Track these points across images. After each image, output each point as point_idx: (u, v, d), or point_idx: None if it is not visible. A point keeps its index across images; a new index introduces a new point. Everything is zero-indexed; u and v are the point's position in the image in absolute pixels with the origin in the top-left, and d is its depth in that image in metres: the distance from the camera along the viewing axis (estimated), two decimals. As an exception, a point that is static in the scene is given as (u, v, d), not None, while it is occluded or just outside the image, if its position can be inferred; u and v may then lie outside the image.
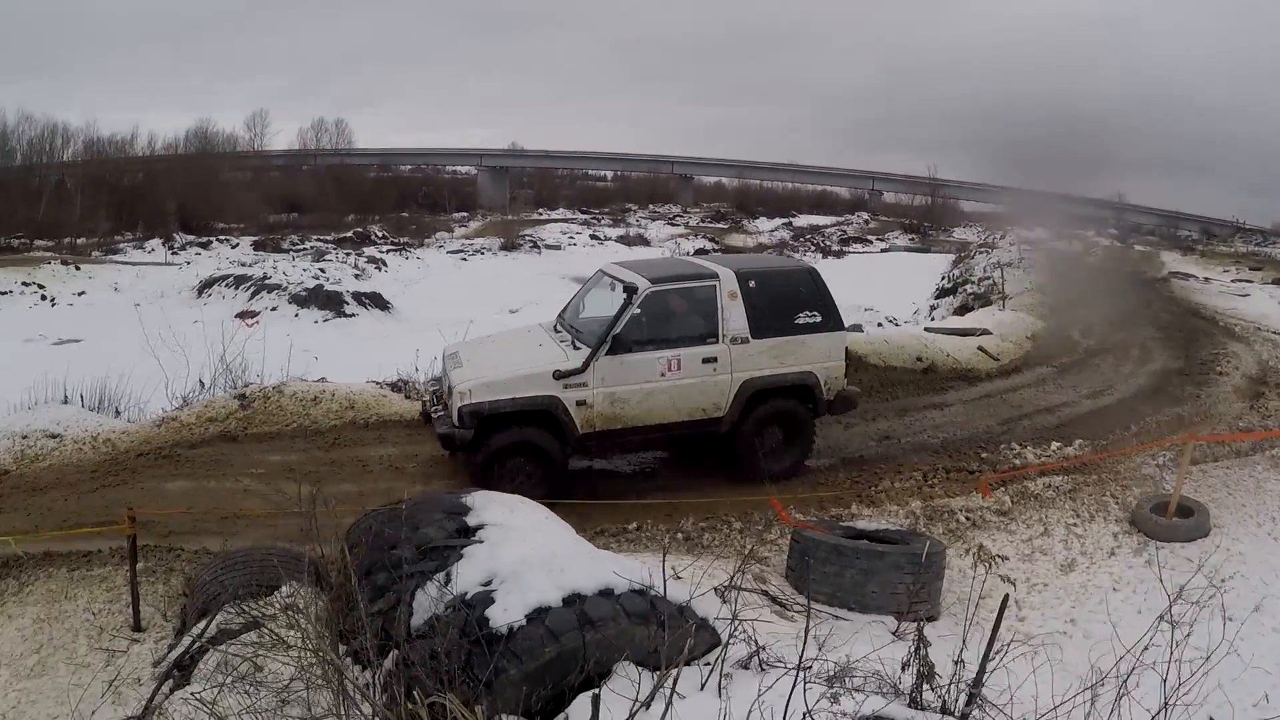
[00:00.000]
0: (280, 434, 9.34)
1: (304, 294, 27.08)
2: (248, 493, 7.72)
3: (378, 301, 27.08)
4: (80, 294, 28.66)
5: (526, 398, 7.07)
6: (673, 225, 48.92)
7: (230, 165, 62.87)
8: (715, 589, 4.65)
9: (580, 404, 7.21)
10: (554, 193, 74.81)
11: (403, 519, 4.85)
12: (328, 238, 46.73)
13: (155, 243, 44.37)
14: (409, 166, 74.07)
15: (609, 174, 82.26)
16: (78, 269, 31.36)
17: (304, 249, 42.71)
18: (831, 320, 7.67)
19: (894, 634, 4.06)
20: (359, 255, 39.98)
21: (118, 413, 10.05)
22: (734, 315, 7.51)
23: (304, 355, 10.95)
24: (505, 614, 3.87)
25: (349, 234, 48.30)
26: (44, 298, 31.08)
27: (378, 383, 10.14)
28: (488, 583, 4.18)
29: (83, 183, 50.35)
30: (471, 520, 4.86)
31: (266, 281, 28.54)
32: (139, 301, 25.51)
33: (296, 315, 25.29)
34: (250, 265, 34.04)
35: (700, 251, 36.22)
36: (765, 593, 5.56)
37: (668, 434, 7.61)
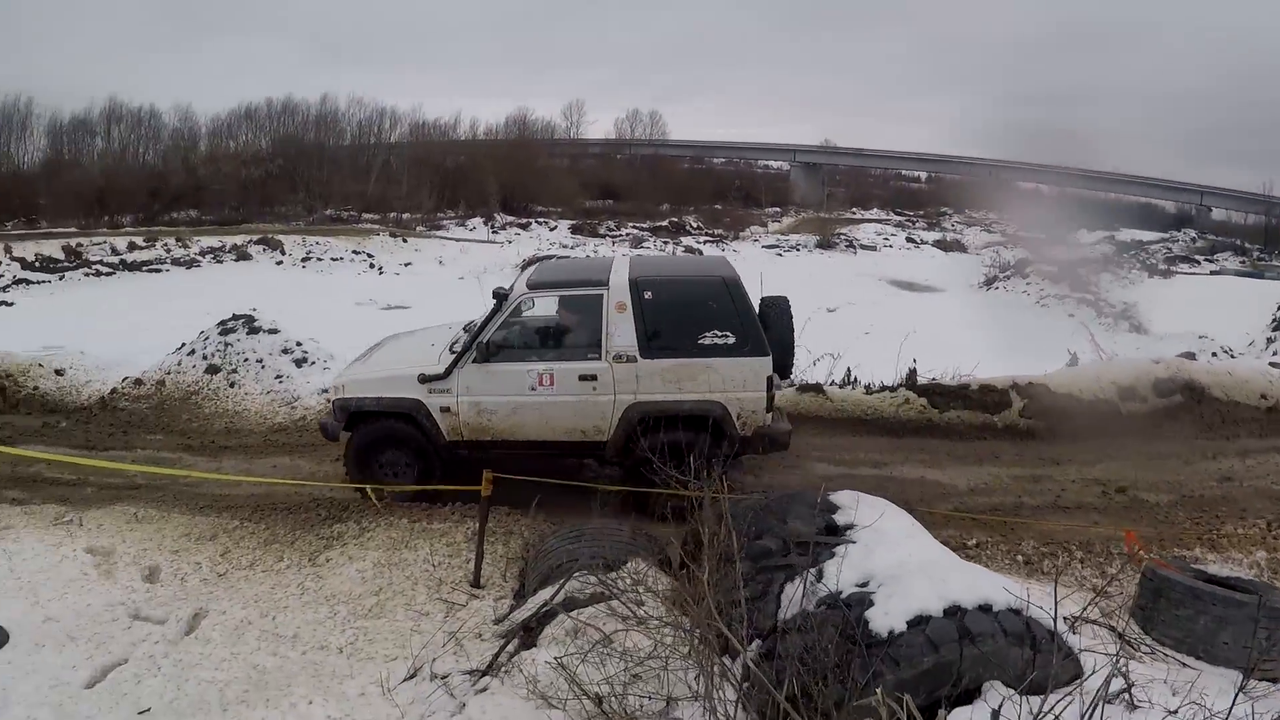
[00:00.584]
0: None
1: None
2: (583, 464, 8.98)
3: None
4: (406, 265, 34.29)
5: (390, 399, 7.96)
6: (989, 232, 54.98)
7: (548, 152, 77.86)
8: (1066, 618, 5.04)
9: (445, 410, 7.87)
10: (866, 192, 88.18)
11: (770, 510, 5.38)
12: (643, 225, 56.81)
13: (476, 221, 56.12)
14: (722, 160, 75.66)
15: (922, 175, 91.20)
16: (404, 241, 36.75)
17: (620, 235, 52.54)
18: (750, 343, 7.37)
19: (1241, 690, 3.39)
20: (675, 244, 47.50)
21: None
22: (621, 329, 7.44)
23: None
24: (885, 618, 4.26)
25: (664, 223, 58.09)
26: (372, 266, 39.52)
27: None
28: (864, 584, 4.60)
29: (409, 162, 64.18)
30: (840, 519, 5.33)
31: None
32: (463, 275, 27.91)
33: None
34: (571, 248, 33.79)
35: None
36: (1113, 628, 5.87)
37: (548, 453, 8.10)
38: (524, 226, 56.46)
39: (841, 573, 4.62)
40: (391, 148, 68.33)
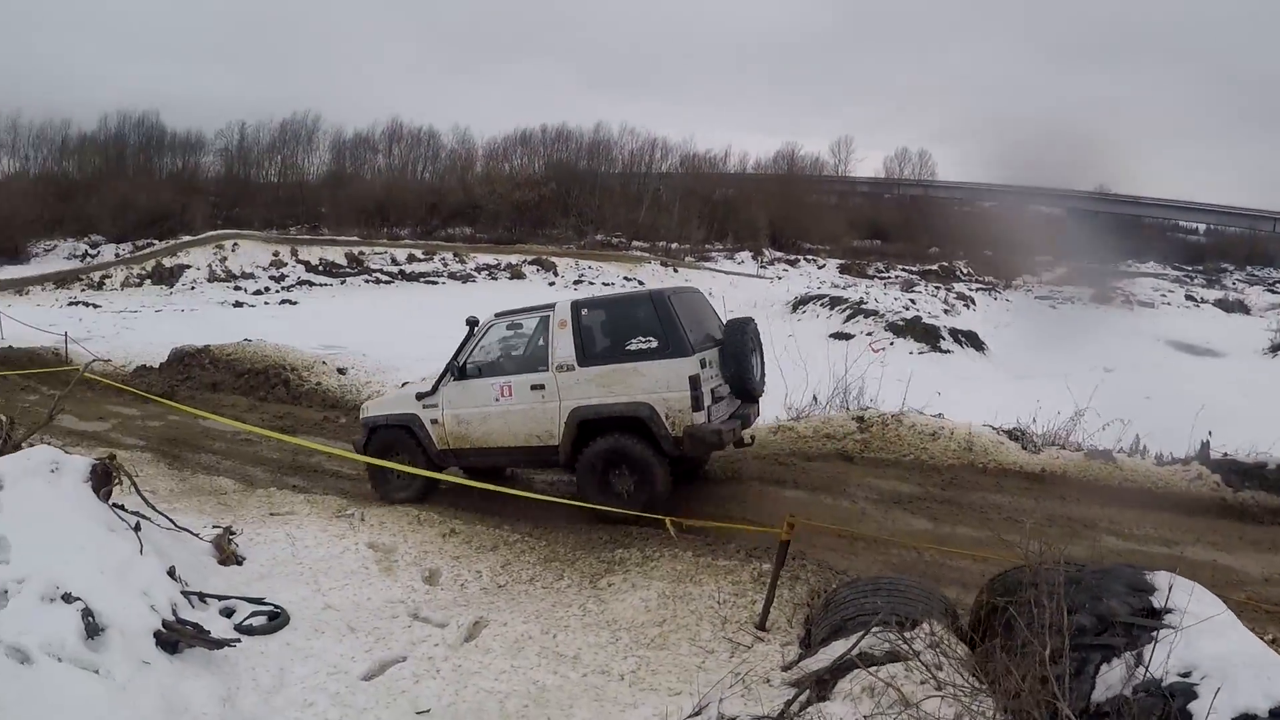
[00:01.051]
0: (896, 463, 11.34)
1: (900, 324, 32.72)
2: (865, 516, 9.64)
3: (973, 340, 32.09)
4: None
5: (396, 414, 10.33)
6: (1273, 292, 58.72)
7: (816, 188, 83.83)
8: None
9: (434, 422, 9.98)
10: (1144, 244, 63.90)
11: (1082, 585, 5.52)
12: (912, 268, 58.80)
13: (745, 255, 61.71)
14: (992, 203, 72.56)
15: (1200, 227, 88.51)
16: (675, 271, 38.11)
17: (889, 277, 55.53)
18: (671, 347, 8.72)
19: None
20: (947, 290, 49.33)
21: None
22: (562, 343, 9.16)
23: (921, 387, 13.76)
24: (1212, 715, 4.19)
25: (934, 267, 59.25)
26: None
27: (994, 427, 12.10)
28: (1186, 674, 4.58)
29: (679, 193, 70.07)
30: (1157, 601, 5.33)
31: (862, 306, 35.85)
32: (732, 309, 28.57)
33: (891, 344, 30.51)
34: (843, 288, 45.45)
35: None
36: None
37: (514, 459, 10.01)
38: (792, 263, 58.79)
39: (1164, 660, 4.52)
40: (662, 177, 73.02)
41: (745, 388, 9.63)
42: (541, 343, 9.57)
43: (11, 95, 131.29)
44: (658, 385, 8.82)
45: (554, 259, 47.86)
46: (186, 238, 49.24)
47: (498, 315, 10.22)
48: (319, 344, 18.95)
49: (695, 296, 10.30)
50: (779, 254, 61.91)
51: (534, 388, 9.43)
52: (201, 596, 6.70)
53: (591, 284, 42.57)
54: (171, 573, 6.53)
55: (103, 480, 6.92)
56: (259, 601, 6.86)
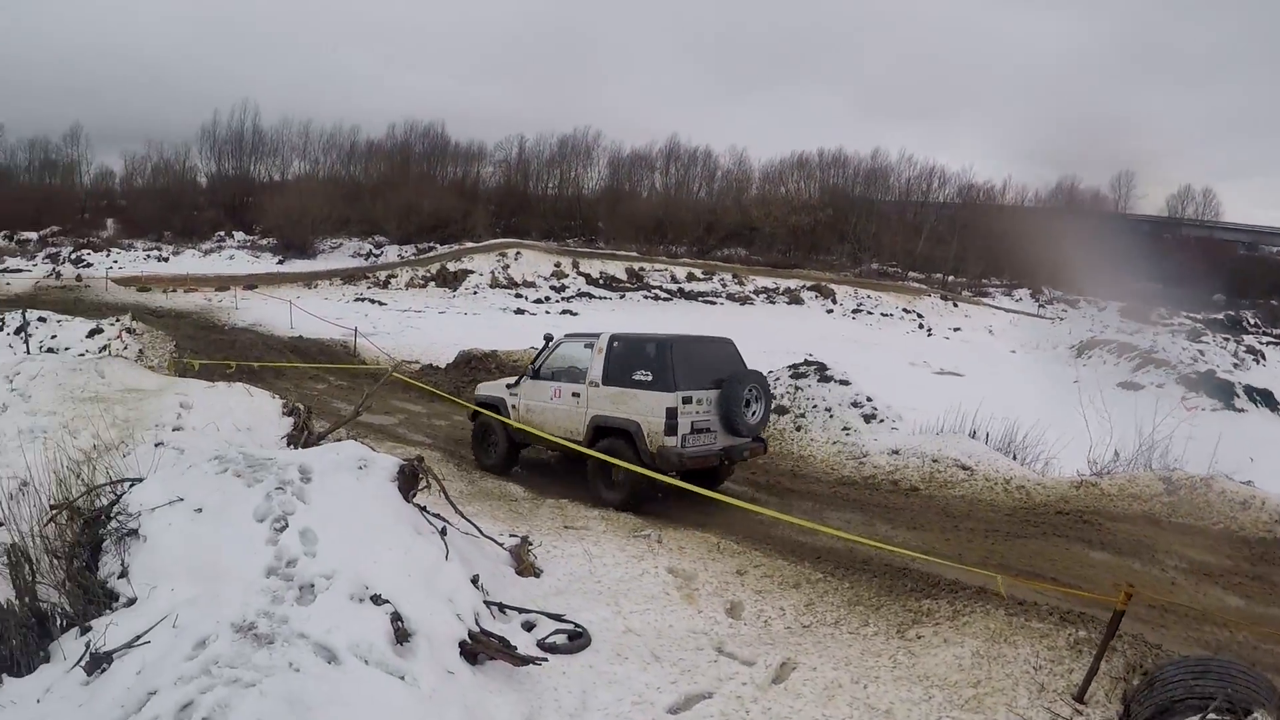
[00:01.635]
0: (1204, 531, 10.69)
1: (1193, 377, 31.04)
2: (1175, 587, 9.13)
3: (1268, 400, 30.15)
4: (955, 330, 34.64)
5: (493, 395, 13.43)
6: None
7: (1096, 226, 76.53)
8: None
9: (513, 406, 12.91)
10: None
11: None
12: (1196, 315, 55.83)
13: (1023, 292, 61.70)
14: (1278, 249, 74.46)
15: None
16: (955, 306, 36.03)
17: (1173, 324, 51.15)
18: (660, 382, 10.69)
19: None
20: (1236, 341, 46.30)
21: (1014, 456, 13.07)
22: (597, 366, 11.54)
23: (1232, 450, 12.80)
24: None
25: (1219, 315, 58.15)
26: (921, 326, 43.11)
27: (1307, 503, 11.76)
28: None
29: (958, 225, 69.92)
30: None
31: (1152, 355, 34.57)
32: (1014, 349, 27.75)
33: (1183, 398, 28.13)
34: (1131, 334, 43.16)
35: None
36: None
37: (552, 446, 12.29)
38: (1071, 303, 56.33)
39: None
40: (941, 207, 72.72)
41: (733, 426, 11.24)
42: (586, 362, 12.00)
43: (304, 102, 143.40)
44: (645, 410, 10.94)
45: (832, 285, 47.62)
46: (470, 244, 51.78)
47: (567, 335, 13.19)
48: None
49: (717, 345, 12.16)
50: (1058, 292, 60.22)
51: (574, 395, 11.96)
52: (502, 607, 6.73)
53: (870, 313, 42.26)
54: (475, 581, 6.59)
55: (410, 481, 7.03)
56: (559, 618, 6.83)
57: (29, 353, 20.23)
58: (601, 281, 43.34)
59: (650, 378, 10.98)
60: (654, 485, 10.66)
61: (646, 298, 41.74)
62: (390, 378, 13.92)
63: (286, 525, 6.05)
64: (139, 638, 5.22)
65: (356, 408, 10.37)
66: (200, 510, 6.29)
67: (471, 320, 33.72)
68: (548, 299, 42.36)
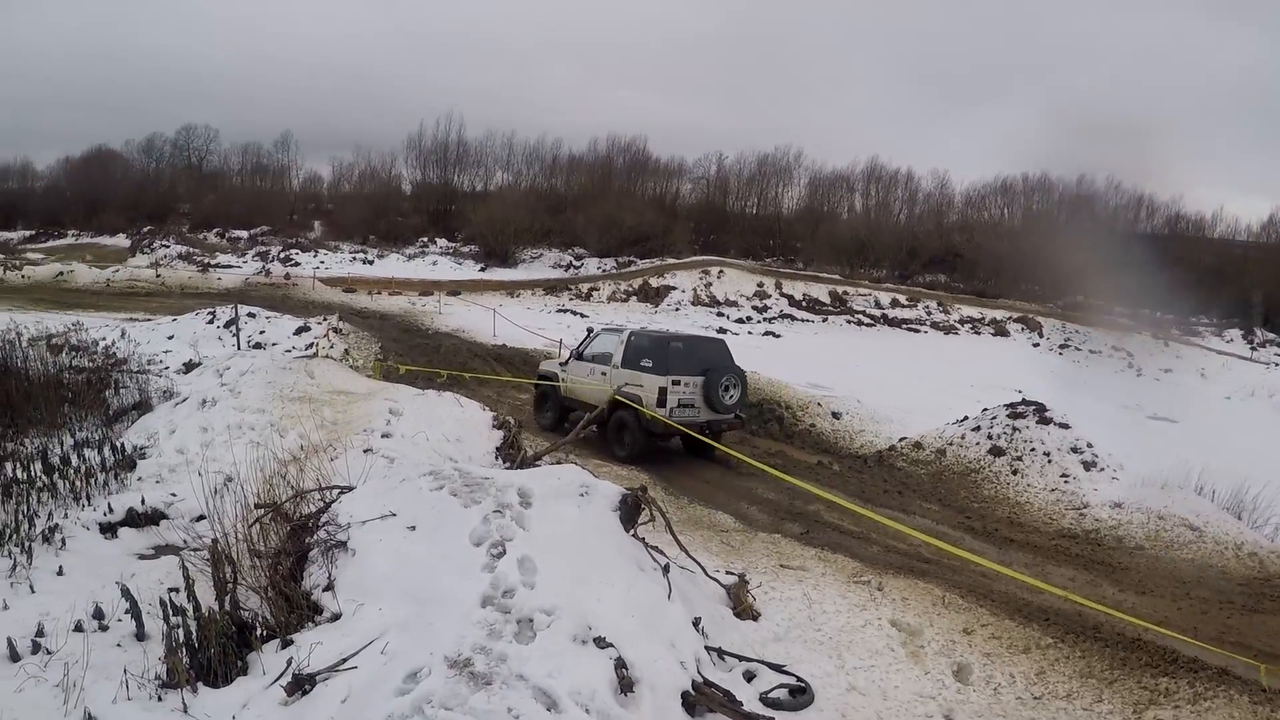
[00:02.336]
0: None
1: None
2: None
3: None
4: (1167, 371, 38.54)
5: (550, 371, 17.42)
6: None
7: None
8: None
9: (562, 380, 16.78)
10: None
11: None
12: None
13: (1234, 333, 54.63)
14: None
15: None
16: (1166, 345, 44.49)
17: None
18: (658, 368, 14.40)
19: None
20: None
21: (1239, 516, 11.91)
22: (620, 352, 15.36)
23: None
24: None
25: None
26: (1130, 365, 39.63)
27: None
28: None
29: (1168, 258, 61.41)
30: None
31: None
32: (1229, 395, 26.22)
33: None
34: None
35: None
36: None
37: (595, 415, 13.10)
38: None
39: None
40: (1149, 239, 68.13)
41: (713, 404, 14.40)
42: (613, 350, 15.52)
43: (508, 114, 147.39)
44: (645, 387, 14.40)
45: (1039, 318, 45.40)
46: (672, 260, 52.02)
47: (603, 328, 17.32)
48: (805, 382, 18.88)
49: (710, 344, 15.91)
50: (1271, 335, 54.33)
51: (603, 374, 15.50)
52: (721, 653, 6.33)
53: (1078, 349, 40.37)
54: (696, 624, 6.20)
55: (632, 512, 6.71)
56: (780, 669, 6.42)
57: (239, 347, 21.20)
58: (804, 304, 42.09)
59: (651, 364, 14.55)
60: (652, 445, 14.65)
61: (849, 322, 40.76)
62: (610, 402, 14.09)
63: (504, 552, 5.78)
64: (345, 660, 5.05)
65: (575, 430, 10.20)
66: (413, 528, 6.16)
67: (674, 338, 32.58)
68: (749, 319, 41.86)
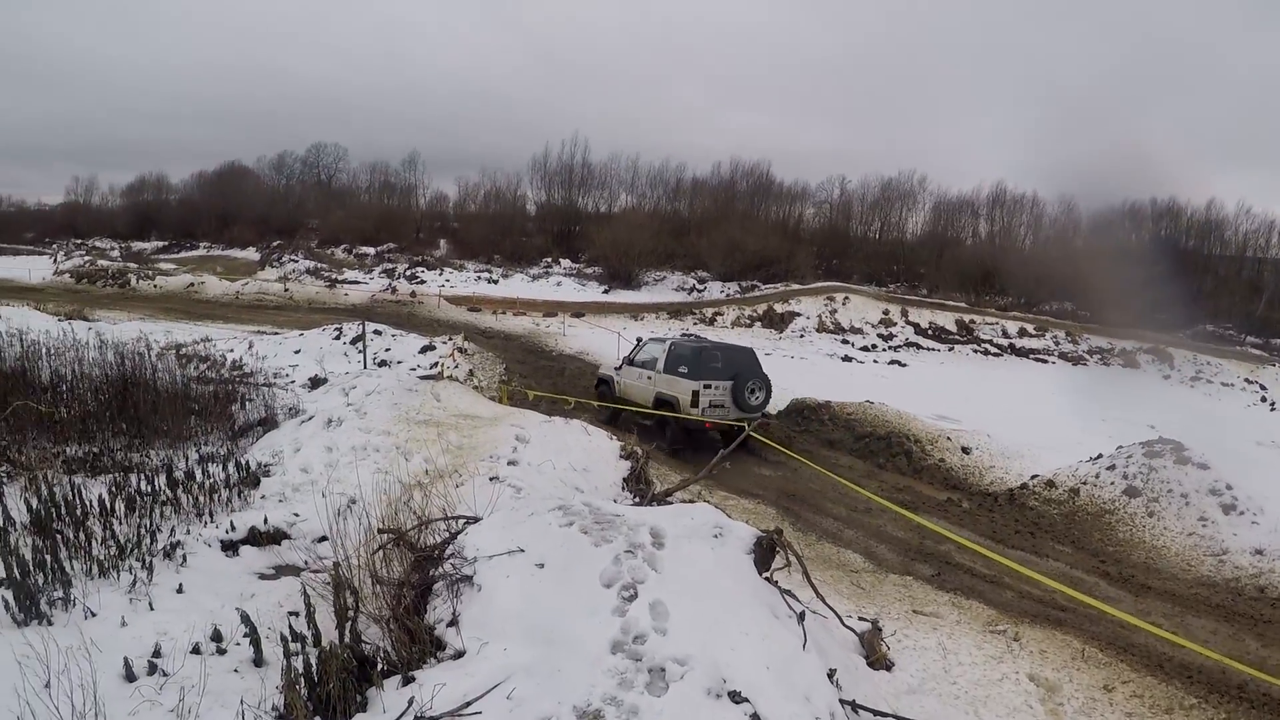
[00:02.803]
0: None
1: None
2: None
3: None
4: None
5: (608, 374, 20.46)
6: None
7: None
8: None
9: (618, 383, 19.90)
10: None
11: None
12: None
13: None
14: None
15: None
16: None
17: None
18: (692, 373, 17.06)
19: None
20: None
21: None
22: (662, 359, 18.15)
23: None
24: None
25: None
26: (1264, 399, 37.82)
27: None
28: None
29: None
30: None
31: None
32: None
33: None
34: None
35: None
36: None
37: (637, 408, 18.66)
38: None
39: None
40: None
41: (738, 405, 16.72)
42: (657, 356, 18.08)
43: (632, 137, 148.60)
44: (680, 390, 16.86)
45: (1170, 349, 43.40)
46: (796, 285, 51.56)
47: (650, 338, 20.01)
48: (932, 413, 18.54)
49: (739, 352, 18.15)
50: None
51: (649, 378, 18.02)
52: (855, 707, 5.97)
53: (1209, 382, 38.55)
54: (831, 675, 5.87)
55: (766, 555, 6.44)
56: None
57: (365, 365, 21.66)
58: (930, 332, 41.26)
59: (687, 370, 16.93)
60: (689, 437, 16.74)
61: (976, 351, 39.92)
62: (748, 436, 13.75)
63: (636, 595, 5.57)
64: (469, 704, 4.90)
65: (708, 467, 9.96)
66: (542, 565, 5.97)
67: (799, 365, 32.95)
68: (874, 347, 41.27)
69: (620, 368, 19.62)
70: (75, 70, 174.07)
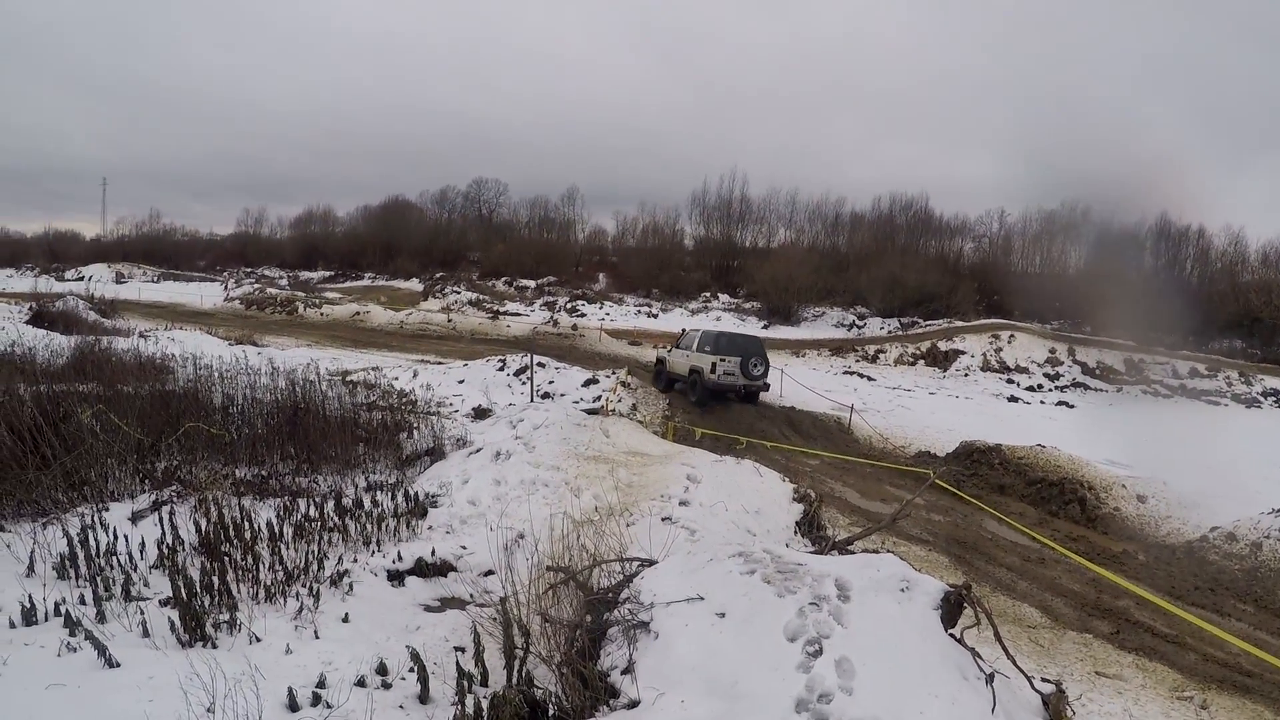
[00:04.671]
0: None
1: None
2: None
3: None
4: None
5: (661, 355, 30.57)
6: None
7: None
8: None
9: (668, 361, 28.93)
10: None
11: None
12: None
13: None
14: None
15: None
16: None
17: None
18: (711, 350, 25.27)
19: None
20: None
21: None
22: (698, 342, 26.89)
23: None
24: None
25: None
26: None
27: None
28: None
29: None
30: None
31: None
32: None
33: None
34: None
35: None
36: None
37: (680, 380, 27.55)
38: None
39: None
40: None
41: (746, 374, 24.11)
42: (694, 341, 26.01)
43: (792, 173, 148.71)
44: (703, 363, 24.55)
45: (1358, 393, 40.86)
46: (960, 322, 50.90)
47: (689, 330, 28.92)
48: (1104, 458, 17.57)
49: (748, 339, 26.39)
50: None
51: (687, 355, 25.76)
52: None
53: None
54: None
55: (954, 611, 6.10)
56: None
57: (532, 398, 22.14)
58: (1098, 371, 39.73)
59: (709, 349, 24.74)
60: (712, 396, 24.60)
61: (1145, 392, 38.46)
62: (933, 482, 13.23)
63: (821, 650, 5.26)
64: None
65: (893, 515, 9.60)
66: (723, 615, 5.74)
67: (963, 405, 32.38)
68: (1040, 387, 40.23)
69: (670, 350, 28.61)
70: (242, 107, 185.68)
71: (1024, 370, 42.23)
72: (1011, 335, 45.19)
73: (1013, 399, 36.04)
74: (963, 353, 43.88)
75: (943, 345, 44.88)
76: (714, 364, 24.42)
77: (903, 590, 5.87)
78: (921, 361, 43.51)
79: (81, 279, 73.60)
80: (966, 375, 41.39)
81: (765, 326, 55.27)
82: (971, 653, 5.77)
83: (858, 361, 42.76)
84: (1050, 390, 39.47)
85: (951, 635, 5.89)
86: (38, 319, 30.71)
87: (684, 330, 30.73)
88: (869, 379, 37.33)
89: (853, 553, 7.75)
